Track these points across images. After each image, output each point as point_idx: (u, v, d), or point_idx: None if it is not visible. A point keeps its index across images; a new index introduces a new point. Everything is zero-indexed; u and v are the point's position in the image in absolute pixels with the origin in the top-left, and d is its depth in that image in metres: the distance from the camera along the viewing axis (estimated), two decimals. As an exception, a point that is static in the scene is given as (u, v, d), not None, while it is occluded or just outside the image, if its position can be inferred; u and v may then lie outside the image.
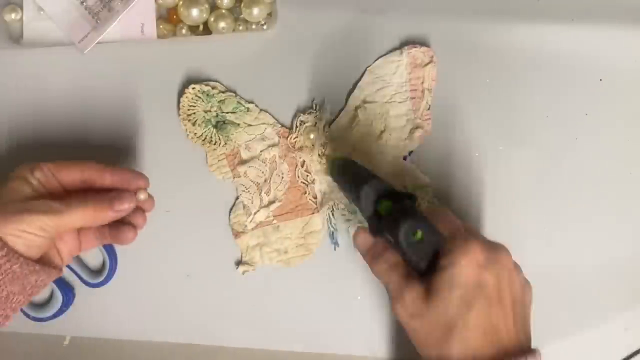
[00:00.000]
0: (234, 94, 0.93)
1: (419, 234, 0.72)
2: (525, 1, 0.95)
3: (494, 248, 0.73)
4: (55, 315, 0.90)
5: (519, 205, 0.92)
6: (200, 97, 0.92)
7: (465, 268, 0.69)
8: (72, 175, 0.81)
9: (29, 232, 0.74)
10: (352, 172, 0.82)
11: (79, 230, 0.84)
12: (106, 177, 0.82)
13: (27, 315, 0.90)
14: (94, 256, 0.92)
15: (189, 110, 0.92)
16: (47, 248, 0.78)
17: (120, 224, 0.84)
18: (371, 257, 0.79)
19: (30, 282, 0.77)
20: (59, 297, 0.90)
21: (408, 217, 0.72)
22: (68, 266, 0.90)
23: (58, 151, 0.93)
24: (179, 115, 0.93)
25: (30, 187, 0.78)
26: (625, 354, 0.90)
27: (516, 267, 0.75)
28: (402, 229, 0.71)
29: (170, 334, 0.92)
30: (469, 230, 0.78)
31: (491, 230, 0.91)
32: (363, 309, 0.91)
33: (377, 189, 0.76)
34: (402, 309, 0.73)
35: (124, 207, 0.79)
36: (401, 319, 0.74)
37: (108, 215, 0.79)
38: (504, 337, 0.70)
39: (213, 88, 0.93)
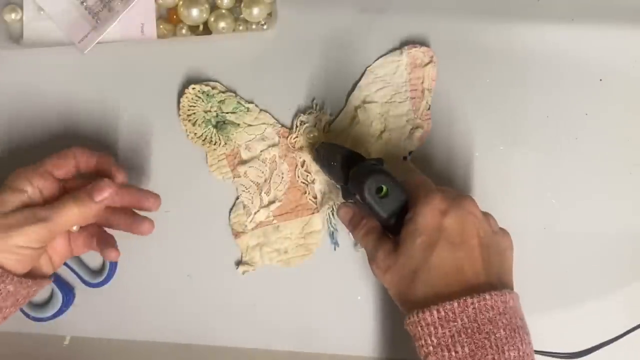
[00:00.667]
0: (234, 94, 0.93)
1: (384, 189, 0.75)
2: (525, 1, 0.95)
3: (458, 197, 0.75)
4: (55, 315, 0.90)
5: (519, 205, 0.92)
6: (200, 97, 0.92)
7: (426, 216, 0.73)
8: (67, 167, 0.82)
9: (21, 247, 0.75)
10: (326, 151, 0.85)
11: (70, 235, 0.85)
12: (92, 163, 0.83)
13: (27, 315, 0.90)
14: (94, 256, 0.92)
15: (189, 110, 0.92)
16: (38, 258, 0.79)
17: (136, 215, 0.85)
18: (352, 226, 0.82)
19: (22, 295, 0.78)
20: (59, 297, 0.90)
21: (371, 174, 0.75)
22: (68, 266, 0.90)
23: (58, 151, 0.93)
24: (179, 115, 0.93)
25: (20, 198, 0.78)
26: (625, 329, 0.90)
27: (485, 215, 0.78)
28: (365, 186, 0.75)
29: (170, 334, 0.92)
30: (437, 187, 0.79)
31: (491, 230, 0.91)
32: (363, 309, 0.91)
33: (344, 157, 0.80)
34: (376, 268, 0.77)
35: (105, 194, 0.79)
36: (377, 277, 0.78)
37: (92, 207, 0.79)
38: (470, 277, 0.72)
39: (213, 88, 0.93)
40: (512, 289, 0.75)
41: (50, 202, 0.79)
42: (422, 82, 0.92)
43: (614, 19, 0.95)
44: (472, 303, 0.69)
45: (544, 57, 0.94)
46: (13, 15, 0.94)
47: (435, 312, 0.70)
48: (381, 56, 0.94)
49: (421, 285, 0.72)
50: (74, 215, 0.78)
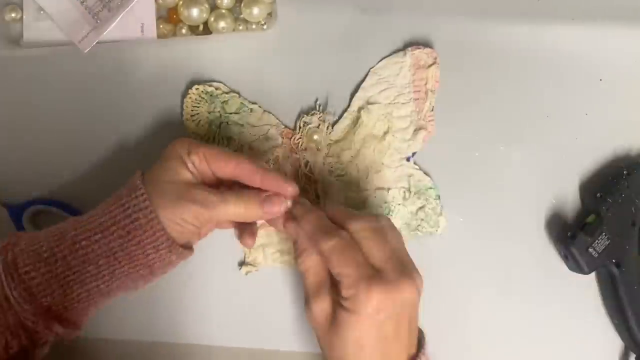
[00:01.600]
0: (237, 95, 0.93)
1: None
2: (526, 1, 0.96)
3: (396, 286, 0.73)
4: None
5: (519, 205, 0.92)
6: (203, 98, 0.92)
7: (364, 318, 0.72)
8: (226, 167, 0.81)
9: (185, 221, 0.76)
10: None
11: None
12: (256, 179, 0.81)
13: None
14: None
15: (192, 111, 0.92)
16: (195, 234, 0.80)
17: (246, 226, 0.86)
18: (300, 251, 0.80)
19: (174, 266, 0.80)
20: (58, 297, 0.90)
21: None
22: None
23: (58, 151, 0.93)
24: (182, 116, 0.93)
25: (188, 170, 0.79)
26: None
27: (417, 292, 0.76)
28: None
29: (171, 334, 0.92)
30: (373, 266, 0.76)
31: (492, 229, 0.92)
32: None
33: None
34: (309, 315, 0.77)
35: (274, 209, 0.79)
36: (307, 320, 0.78)
37: (257, 214, 0.80)
38: (393, 358, 0.74)
39: (217, 89, 0.93)
40: (416, 340, 0.78)
41: (207, 185, 0.80)
42: (426, 84, 0.92)
43: (614, 19, 0.95)
44: None
45: (544, 57, 0.95)
46: (13, 15, 0.94)
47: None
48: (384, 57, 0.94)
49: None
50: (238, 214, 0.79)
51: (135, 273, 0.77)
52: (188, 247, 0.81)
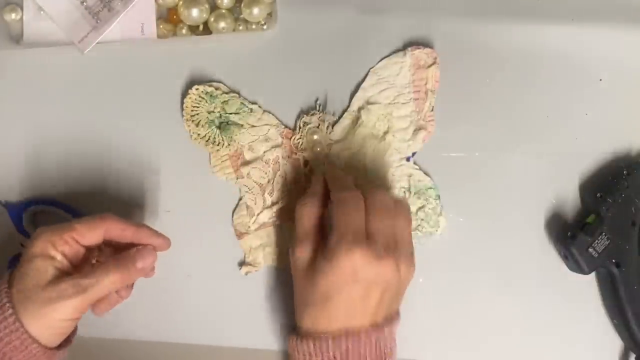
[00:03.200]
0: (237, 95, 0.93)
1: None
2: (526, 1, 0.96)
3: (378, 259, 0.75)
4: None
5: (519, 205, 0.92)
6: (203, 98, 0.92)
7: (337, 272, 0.74)
8: (96, 237, 0.79)
9: (64, 320, 0.74)
10: None
11: None
12: (127, 235, 0.80)
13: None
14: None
15: (192, 111, 0.92)
16: (74, 326, 0.79)
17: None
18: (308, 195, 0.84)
19: None
20: (58, 297, 0.89)
21: None
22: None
23: (58, 151, 0.94)
24: (182, 116, 0.93)
25: (54, 265, 0.76)
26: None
27: (405, 262, 0.78)
28: None
29: (171, 334, 0.92)
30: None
31: (492, 229, 0.92)
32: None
33: None
34: (292, 258, 0.81)
35: (149, 261, 0.79)
36: (291, 263, 0.82)
37: (133, 275, 0.79)
38: (357, 319, 0.76)
39: (216, 89, 0.93)
40: (391, 314, 0.80)
41: (77, 266, 0.79)
42: (426, 84, 0.92)
43: (614, 19, 0.95)
44: (347, 341, 0.75)
45: (544, 57, 0.94)
46: (13, 15, 0.94)
47: (311, 344, 0.76)
48: (384, 57, 0.94)
49: (307, 318, 0.78)
50: (116, 283, 0.77)
51: None
52: (68, 340, 0.80)
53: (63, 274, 0.76)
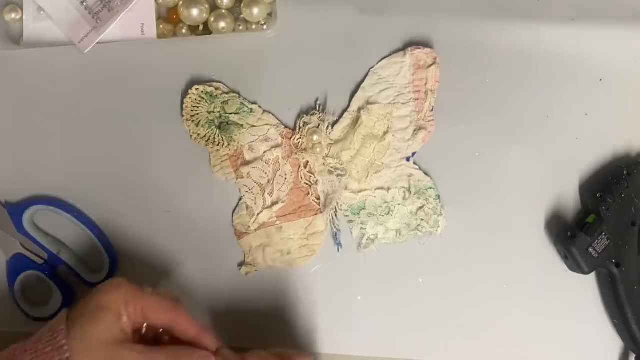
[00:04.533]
0: (237, 95, 0.93)
1: None
2: (525, 1, 0.96)
3: None
4: (55, 315, 0.89)
5: (519, 205, 0.92)
6: (203, 98, 0.92)
7: None
8: (162, 320, 0.77)
9: None
10: None
11: None
12: (190, 333, 0.77)
13: (27, 315, 0.90)
14: (94, 256, 0.92)
15: (192, 111, 0.92)
16: None
17: None
18: None
19: None
20: (58, 296, 0.90)
21: None
22: (68, 265, 0.90)
23: (58, 151, 0.94)
24: (182, 116, 0.93)
25: (121, 326, 0.73)
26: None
27: None
28: None
29: (171, 334, 0.92)
30: None
31: (491, 229, 0.92)
32: (363, 309, 0.91)
33: None
34: None
35: None
36: None
37: None
38: None
39: (216, 89, 0.93)
40: None
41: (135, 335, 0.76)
42: (426, 84, 0.92)
43: (614, 19, 0.95)
44: None
45: (544, 57, 0.94)
46: (13, 15, 0.94)
47: None
48: (384, 57, 0.94)
49: None
50: None
51: None
52: None
53: (124, 338, 0.73)
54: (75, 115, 0.94)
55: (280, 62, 0.95)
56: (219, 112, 0.92)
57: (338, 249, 0.92)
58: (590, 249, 0.85)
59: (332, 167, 0.92)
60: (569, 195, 0.92)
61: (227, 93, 0.93)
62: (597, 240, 0.86)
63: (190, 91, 0.92)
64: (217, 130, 0.92)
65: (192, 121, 0.92)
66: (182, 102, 0.93)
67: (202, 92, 0.92)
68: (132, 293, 0.74)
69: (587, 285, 0.91)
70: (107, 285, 0.75)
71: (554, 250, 0.91)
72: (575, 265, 0.87)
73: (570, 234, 0.86)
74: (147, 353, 0.72)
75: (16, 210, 0.91)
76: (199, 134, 0.92)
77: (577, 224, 0.89)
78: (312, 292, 0.91)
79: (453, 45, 0.94)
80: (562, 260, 0.90)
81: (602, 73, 0.94)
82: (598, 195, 0.88)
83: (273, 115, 0.93)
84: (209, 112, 0.92)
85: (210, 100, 0.92)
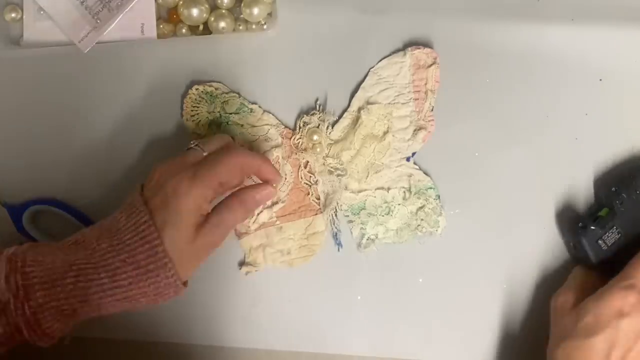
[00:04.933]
0: (237, 95, 0.93)
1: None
2: (525, 1, 0.95)
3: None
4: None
5: (519, 205, 0.92)
6: (203, 98, 0.92)
7: (610, 309, 0.76)
8: (236, 180, 0.83)
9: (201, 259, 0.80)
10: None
11: None
12: (254, 166, 0.84)
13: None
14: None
15: (192, 111, 0.92)
16: None
17: None
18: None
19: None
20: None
21: None
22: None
23: (58, 151, 0.94)
24: (182, 116, 0.93)
25: (202, 216, 0.79)
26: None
27: None
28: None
29: (171, 334, 0.92)
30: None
31: (491, 229, 0.92)
32: (363, 309, 0.91)
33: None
34: (555, 301, 0.83)
35: (266, 200, 0.86)
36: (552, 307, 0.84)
37: (254, 209, 0.88)
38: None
39: (216, 89, 0.93)
40: None
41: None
42: (426, 84, 0.92)
43: (614, 19, 0.95)
44: None
45: (544, 57, 0.94)
46: (13, 15, 0.94)
47: None
48: (384, 57, 0.94)
49: (571, 344, 0.77)
50: (237, 220, 0.82)
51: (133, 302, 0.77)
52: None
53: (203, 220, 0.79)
54: (75, 115, 0.95)
55: (281, 62, 0.95)
56: (219, 112, 0.92)
57: (338, 249, 0.92)
58: (600, 241, 0.85)
59: (332, 167, 0.92)
60: (568, 195, 0.92)
61: (227, 93, 0.93)
62: (607, 233, 0.85)
63: (190, 91, 0.92)
64: (217, 131, 0.92)
65: (192, 121, 0.92)
66: (182, 102, 0.93)
67: (202, 92, 0.92)
68: (206, 186, 0.78)
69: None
70: (184, 190, 0.77)
71: (553, 250, 0.91)
72: (583, 254, 0.86)
73: (582, 225, 0.86)
74: (220, 223, 0.80)
75: (16, 210, 0.91)
76: (199, 134, 0.92)
77: (590, 216, 0.89)
78: (312, 292, 0.92)
79: (453, 45, 0.94)
80: (566, 261, 0.90)
81: (602, 73, 0.94)
82: (613, 189, 0.87)
83: (273, 115, 0.93)
84: (209, 112, 0.92)
85: (210, 100, 0.92)
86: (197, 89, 0.92)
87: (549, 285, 0.90)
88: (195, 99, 0.92)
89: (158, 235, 0.75)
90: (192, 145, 0.82)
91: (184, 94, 0.93)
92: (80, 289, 0.74)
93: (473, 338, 0.90)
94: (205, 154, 0.81)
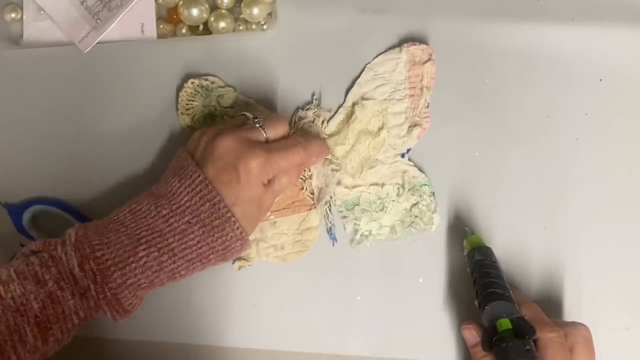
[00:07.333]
0: (233, 89, 0.93)
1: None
2: (525, 1, 0.95)
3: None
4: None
5: (519, 205, 0.92)
6: (199, 92, 0.92)
7: None
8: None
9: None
10: (485, 271, 0.84)
11: None
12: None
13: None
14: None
15: (187, 104, 0.92)
16: None
17: None
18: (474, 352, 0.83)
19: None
20: (58, 297, 0.90)
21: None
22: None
23: (58, 151, 0.94)
24: (177, 109, 0.93)
25: (266, 182, 0.82)
26: (625, 354, 0.90)
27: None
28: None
29: (171, 334, 0.92)
30: None
31: (490, 229, 0.91)
32: (363, 309, 0.91)
33: (503, 310, 0.79)
34: None
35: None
36: None
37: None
38: None
39: (212, 83, 0.93)
40: None
41: None
42: (421, 80, 0.92)
43: (614, 19, 0.95)
44: None
45: (544, 57, 0.94)
46: (13, 15, 0.95)
47: None
48: (380, 53, 0.94)
49: None
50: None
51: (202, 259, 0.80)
52: None
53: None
54: (75, 115, 0.95)
55: (279, 62, 0.95)
56: (215, 105, 0.92)
57: (333, 244, 0.92)
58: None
59: (326, 162, 0.92)
60: (568, 195, 0.92)
61: (222, 87, 0.93)
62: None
63: (185, 84, 0.93)
64: (212, 124, 0.91)
65: (187, 115, 0.92)
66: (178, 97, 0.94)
67: (197, 85, 0.93)
68: (268, 159, 0.81)
69: (586, 285, 0.90)
70: (249, 156, 0.80)
71: (553, 250, 0.91)
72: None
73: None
74: (279, 189, 0.84)
75: (16, 210, 0.92)
76: (193, 128, 0.92)
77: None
78: (311, 291, 0.91)
79: (449, 42, 0.94)
80: (559, 262, 0.90)
81: (602, 73, 0.94)
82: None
83: (269, 110, 0.93)
84: (205, 106, 0.92)
85: (205, 94, 0.92)
86: (192, 83, 0.93)
87: (548, 285, 0.90)
88: (191, 93, 0.92)
89: (217, 192, 0.78)
90: (252, 120, 0.84)
91: (184, 93, 0.94)
92: (153, 259, 0.77)
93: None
94: (265, 136, 0.83)
